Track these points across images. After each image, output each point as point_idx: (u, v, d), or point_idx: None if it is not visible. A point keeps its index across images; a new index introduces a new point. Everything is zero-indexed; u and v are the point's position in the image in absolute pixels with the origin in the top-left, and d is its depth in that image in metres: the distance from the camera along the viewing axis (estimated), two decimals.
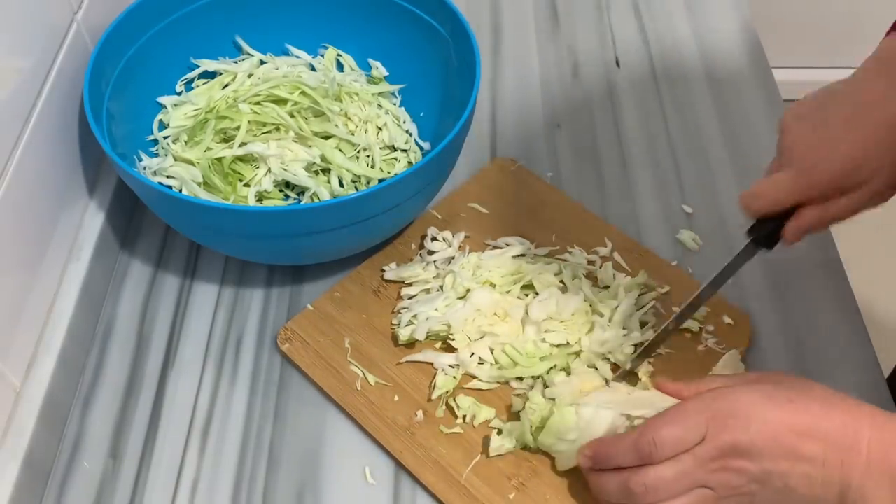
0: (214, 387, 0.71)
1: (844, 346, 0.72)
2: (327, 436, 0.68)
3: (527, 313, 0.70)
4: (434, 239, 0.77)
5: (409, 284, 0.74)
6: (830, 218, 0.62)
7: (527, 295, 0.72)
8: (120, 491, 0.65)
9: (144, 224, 0.81)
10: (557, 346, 0.69)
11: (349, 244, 0.73)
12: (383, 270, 0.75)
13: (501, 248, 0.76)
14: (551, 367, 0.67)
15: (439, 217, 0.79)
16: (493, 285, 0.72)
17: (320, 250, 0.73)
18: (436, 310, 0.70)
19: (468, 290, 0.71)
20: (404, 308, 0.72)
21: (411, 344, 0.70)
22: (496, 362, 0.68)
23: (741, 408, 0.54)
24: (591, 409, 0.61)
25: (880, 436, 0.52)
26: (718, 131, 0.89)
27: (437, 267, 0.75)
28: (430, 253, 0.76)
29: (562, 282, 0.73)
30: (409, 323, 0.70)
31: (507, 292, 0.72)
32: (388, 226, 0.73)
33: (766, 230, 0.64)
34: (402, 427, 0.66)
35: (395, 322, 0.71)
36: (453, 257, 0.75)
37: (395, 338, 0.70)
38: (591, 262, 0.75)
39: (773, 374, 0.59)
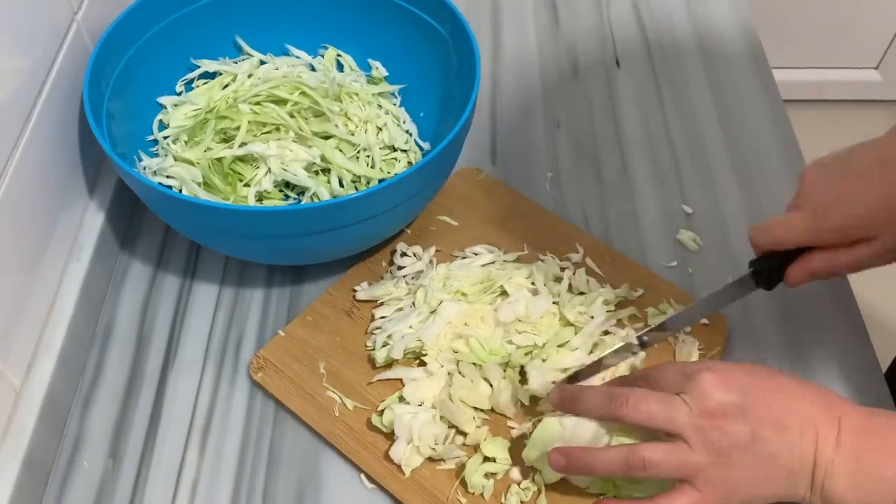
0: (214, 387, 0.71)
1: (844, 346, 0.72)
2: None
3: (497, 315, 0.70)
4: (404, 254, 0.76)
5: (381, 304, 0.72)
6: (837, 266, 0.62)
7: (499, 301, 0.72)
8: (120, 491, 0.65)
9: (144, 224, 0.81)
10: (523, 347, 0.68)
11: (349, 244, 0.73)
12: (355, 290, 0.74)
13: (470, 258, 0.75)
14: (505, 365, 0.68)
15: (409, 232, 0.78)
16: (464, 294, 0.71)
17: (320, 250, 0.73)
18: (410, 327, 0.69)
19: (440, 303, 0.70)
20: (378, 329, 0.71)
21: (389, 365, 0.69)
22: (456, 351, 0.68)
23: (726, 378, 0.55)
24: (573, 419, 0.60)
25: (853, 416, 0.54)
26: (718, 131, 0.89)
27: (407, 283, 0.73)
28: (400, 268, 0.75)
29: (533, 284, 0.72)
30: (385, 344, 0.69)
31: (478, 300, 0.71)
32: (388, 226, 0.73)
33: (769, 266, 0.64)
34: (384, 451, 0.65)
35: (369, 345, 0.70)
36: (422, 271, 0.74)
37: (371, 361, 0.69)
38: (563, 269, 0.74)
39: (736, 365, 0.58)
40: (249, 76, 0.83)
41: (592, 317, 0.70)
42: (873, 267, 0.63)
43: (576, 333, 0.69)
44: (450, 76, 0.79)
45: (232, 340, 0.73)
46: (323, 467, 0.66)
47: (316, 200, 0.77)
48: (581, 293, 0.73)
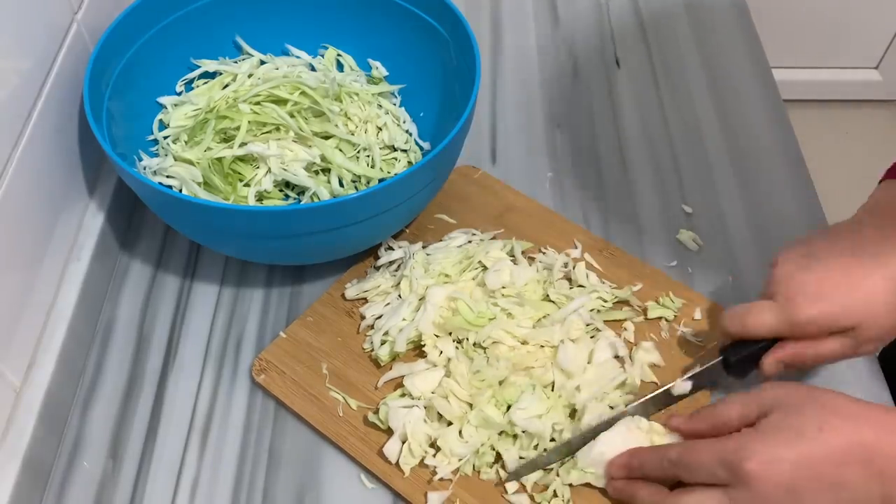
0: (214, 387, 0.71)
1: None
2: None
3: (484, 284, 0.71)
4: (390, 248, 0.76)
5: (367, 302, 0.73)
6: (813, 358, 0.60)
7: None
8: (120, 491, 0.65)
9: (144, 224, 0.81)
10: (508, 311, 0.69)
11: (349, 244, 0.73)
12: (346, 289, 0.74)
13: (446, 241, 0.76)
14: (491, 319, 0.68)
15: (408, 231, 0.78)
16: (447, 276, 0.72)
17: (320, 250, 0.73)
18: (404, 319, 0.70)
19: (427, 288, 0.71)
20: (371, 328, 0.71)
21: (392, 361, 0.69)
22: (443, 316, 0.69)
23: (775, 453, 0.52)
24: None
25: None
26: (718, 131, 0.89)
27: (392, 275, 0.74)
28: (377, 258, 0.75)
29: (512, 257, 0.74)
30: (384, 342, 0.69)
31: (461, 279, 0.72)
32: (389, 226, 0.73)
33: (740, 355, 0.63)
34: None
35: (366, 346, 0.70)
36: (401, 259, 0.74)
37: (375, 361, 0.69)
38: (564, 265, 0.74)
39: (780, 392, 0.55)
40: (249, 76, 0.83)
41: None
42: (862, 355, 0.61)
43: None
44: (450, 76, 0.79)
45: (232, 340, 0.73)
46: (323, 467, 0.66)
47: (316, 200, 0.77)
48: (580, 286, 0.73)
